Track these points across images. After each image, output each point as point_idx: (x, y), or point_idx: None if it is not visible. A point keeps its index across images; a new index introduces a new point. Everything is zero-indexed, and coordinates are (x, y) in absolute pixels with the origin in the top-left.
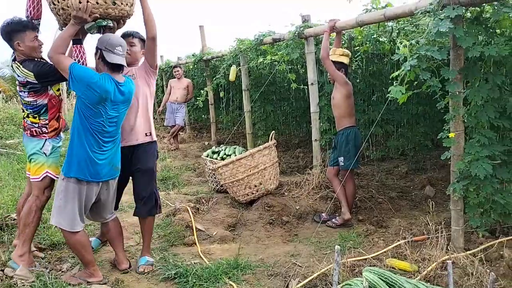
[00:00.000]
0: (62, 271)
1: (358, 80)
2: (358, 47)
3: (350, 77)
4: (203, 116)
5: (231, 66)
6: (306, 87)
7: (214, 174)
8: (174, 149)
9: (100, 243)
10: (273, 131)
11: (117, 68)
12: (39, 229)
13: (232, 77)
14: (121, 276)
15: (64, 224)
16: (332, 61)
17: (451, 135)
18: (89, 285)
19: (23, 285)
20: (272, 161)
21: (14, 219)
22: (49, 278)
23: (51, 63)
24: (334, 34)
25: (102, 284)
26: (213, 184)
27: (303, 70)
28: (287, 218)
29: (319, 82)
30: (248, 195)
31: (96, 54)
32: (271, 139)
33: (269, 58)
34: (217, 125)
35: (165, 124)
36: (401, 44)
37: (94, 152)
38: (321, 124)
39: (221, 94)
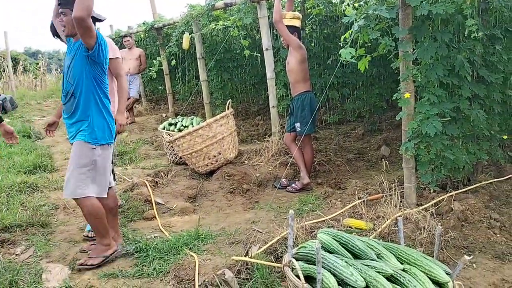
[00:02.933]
0: (16, 254)
1: (312, 44)
2: (310, 10)
3: (305, 41)
4: (159, 87)
5: (184, 33)
6: (260, 54)
7: (171, 146)
8: (130, 123)
9: None
10: (230, 100)
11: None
12: None
13: (185, 45)
14: (79, 255)
15: (94, 192)
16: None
17: (407, 95)
18: (45, 266)
19: None
20: (230, 130)
21: None
22: (1, 262)
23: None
24: None
25: (58, 265)
26: (172, 157)
27: (259, 36)
28: (247, 186)
29: (274, 47)
30: (207, 165)
31: None
32: (228, 108)
33: (221, 23)
34: (174, 96)
35: None
36: (348, 6)
37: (109, 115)
38: (278, 90)
39: (173, 63)
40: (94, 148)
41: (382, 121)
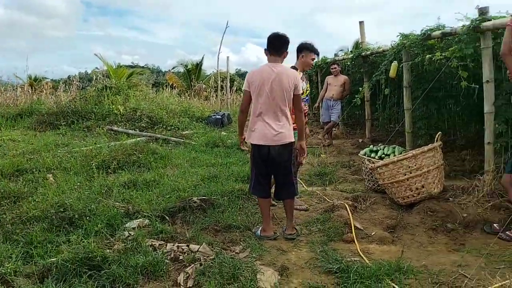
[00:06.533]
0: (235, 252)
1: None
2: None
3: None
4: (356, 112)
5: (392, 62)
6: (476, 85)
7: (372, 173)
8: (328, 145)
9: None
10: (440, 132)
11: None
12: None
13: (392, 73)
14: (287, 263)
15: None
16: None
17: None
18: (259, 267)
19: (205, 261)
20: (437, 164)
21: (195, 202)
22: (226, 257)
23: None
24: None
25: (269, 268)
26: (370, 183)
27: (473, 65)
28: (452, 226)
29: (496, 79)
30: (408, 197)
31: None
32: (437, 140)
33: (438, 55)
34: (372, 122)
35: (320, 121)
36: None
37: None
38: (497, 125)
39: (386, 91)
40: None
41: None
